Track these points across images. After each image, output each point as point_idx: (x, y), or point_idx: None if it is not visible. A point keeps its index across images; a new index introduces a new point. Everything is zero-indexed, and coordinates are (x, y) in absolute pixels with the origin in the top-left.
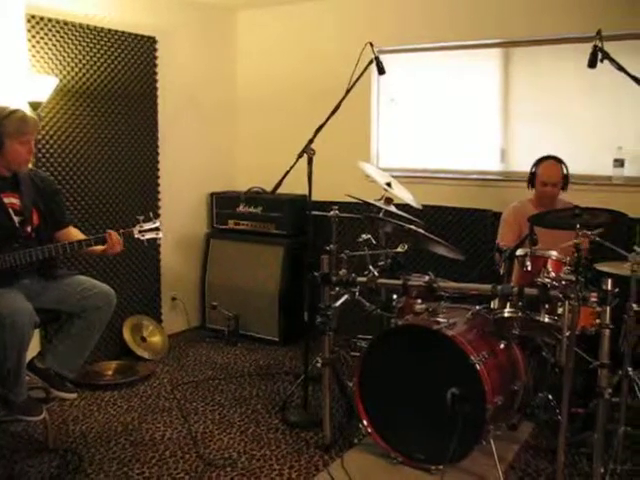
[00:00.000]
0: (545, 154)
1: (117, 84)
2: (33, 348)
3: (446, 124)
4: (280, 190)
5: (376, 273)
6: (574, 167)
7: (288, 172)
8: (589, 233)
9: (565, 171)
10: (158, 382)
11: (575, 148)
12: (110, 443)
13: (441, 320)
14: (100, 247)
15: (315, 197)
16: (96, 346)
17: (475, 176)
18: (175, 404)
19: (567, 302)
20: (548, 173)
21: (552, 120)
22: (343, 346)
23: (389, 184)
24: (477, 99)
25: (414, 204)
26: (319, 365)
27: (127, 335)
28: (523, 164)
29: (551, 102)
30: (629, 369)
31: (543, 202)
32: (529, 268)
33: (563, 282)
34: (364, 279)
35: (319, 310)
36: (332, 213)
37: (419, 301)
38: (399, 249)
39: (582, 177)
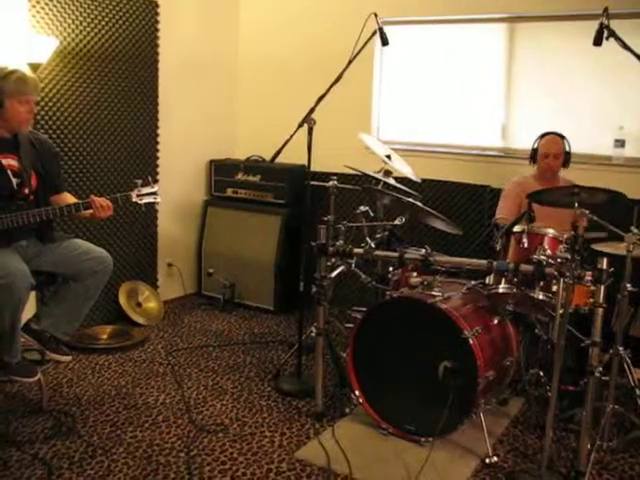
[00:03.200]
0: (547, 131)
1: (118, 48)
2: (29, 310)
3: (448, 98)
4: (279, 159)
5: (373, 245)
6: (575, 146)
7: (288, 141)
8: (587, 212)
9: (567, 147)
10: (152, 348)
11: (577, 127)
12: (103, 406)
13: (436, 294)
14: (89, 211)
15: (314, 167)
16: (91, 310)
17: (475, 151)
18: (169, 370)
19: (562, 280)
20: (549, 145)
21: (555, 98)
22: (337, 317)
23: (389, 156)
24: (479, 74)
25: (413, 177)
26: (313, 335)
27: (122, 300)
28: (524, 141)
29: (554, 79)
30: (620, 348)
31: (545, 176)
32: (525, 245)
33: (559, 260)
34: (361, 251)
35: (315, 280)
36: (331, 184)
37: (415, 274)
38: (396, 222)
39: (582, 156)
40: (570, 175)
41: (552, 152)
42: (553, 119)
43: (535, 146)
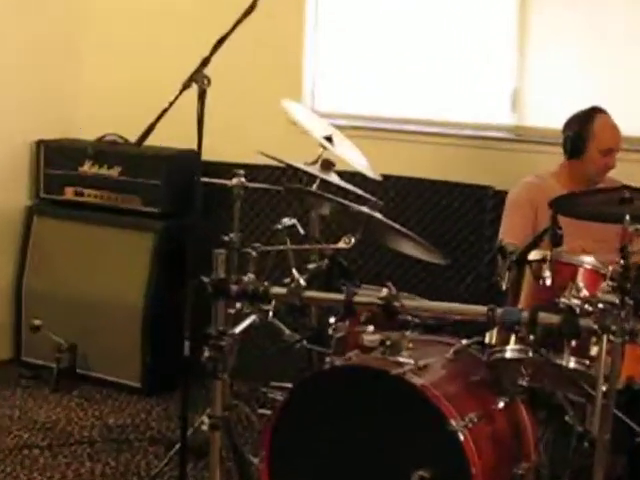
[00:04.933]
0: (590, 105)
1: None
2: None
3: (428, 50)
4: (151, 141)
5: (303, 282)
6: (623, 125)
7: (165, 112)
8: None
9: None
10: None
11: (622, 100)
12: None
13: (405, 360)
14: None
15: (209, 155)
16: None
17: (470, 132)
18: None
19: (606, 337)
20: (612, 133)
21: (591, 49)
22: (246, 398)
23: (329, 139)
24: (476, 15)
25: (370, 173)
26: (205, 428)
27: None
28: (546, 115)
29: (591, 20)
30: None
31: (593, 180)
32: (548, 282)
33: (601, 305)
34: (283, 290)
35: (208, 338)
36: (235, 181)
37: (371, 329)
38: (342, 244)
39: (633, 140)
40: (613, 171)
41: (617, 145)
42: (590, 82)
43: (585, 129)
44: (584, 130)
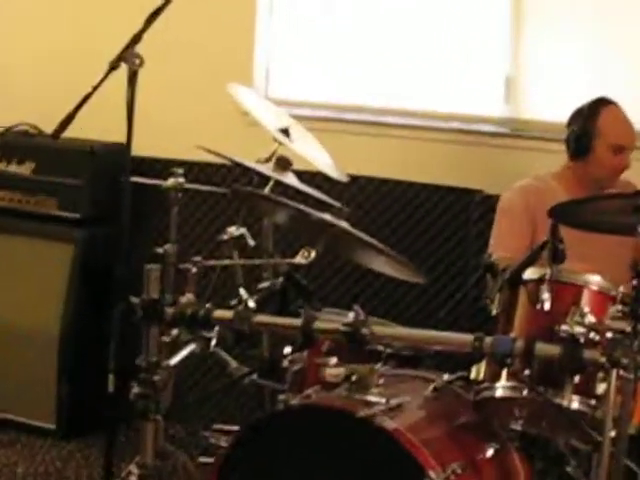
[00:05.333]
0: (598, 96)
1: None
2: None
3: (405, 31)
4: (71, 133)
5: (253, 303)
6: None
7: (87, 98)
8: None
9: None
10: None
11: (635, 89)
12: None
13: (375, 400)
14: None
15: (140, 150)
16: None
17: (455, 125)
18: None
19: (615, 372)
20: (623, 129)
21: (597, 36)
22: (183, 444)
23: (286, 131)
24: None
25: (334, 173)
26: None
27: None
28: (545, 107)
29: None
30: None
31: (602, 184)
32: (547, 305)
33: (609, 334)
34: (229, 314)
35: (138, 372)
36: (172, 182)
37: (334, 361)
38: (300, 258)
39: None
40: (627, 173)
41: (631, 143)
42: (597, 69)
43: (592, 123)
44: (589, 125)
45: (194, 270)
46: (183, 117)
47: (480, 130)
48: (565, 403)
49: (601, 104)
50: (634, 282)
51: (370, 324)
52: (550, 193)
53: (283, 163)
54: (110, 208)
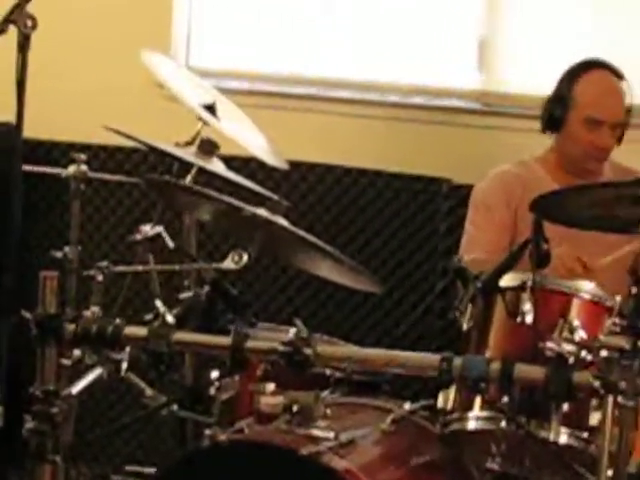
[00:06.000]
0: (586, 58)
1: None
2: None
3: None
4: None
5: (172, 318)
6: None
7: None
8: None
9: (629, 98)
10: None
11: (630, 56)
12: None
13: (322, 434)
14: None
15: (34, 131)
16: None
17: (417, 100)
18: None
19: (611, 399)
20: (604, 101)
21: None
22: None
23: (211, 108)
24: None
25: (271, 159)
26: None
27: None
28: (525, 78)
29: None
30: None
31: (580, 166)
32: (529, 318)
33: (604, 353)
34: (143, 331)
35: (32, 402)
36: (73, 170)
37: (271, 387)
38: (228, 263)
39: None
40: (622, 155)
41: (612, 119)
42: (588, 35)
43: (566, 90)
44: (565, 92)
45: (100, 278)
46: (86, 91)
47: (448, 106)
48: (551, 437)
49: (584, 68)
50: (633, 290)
51: (315, 343)
52: (534, 181)
53: (208, 147)
54: None
